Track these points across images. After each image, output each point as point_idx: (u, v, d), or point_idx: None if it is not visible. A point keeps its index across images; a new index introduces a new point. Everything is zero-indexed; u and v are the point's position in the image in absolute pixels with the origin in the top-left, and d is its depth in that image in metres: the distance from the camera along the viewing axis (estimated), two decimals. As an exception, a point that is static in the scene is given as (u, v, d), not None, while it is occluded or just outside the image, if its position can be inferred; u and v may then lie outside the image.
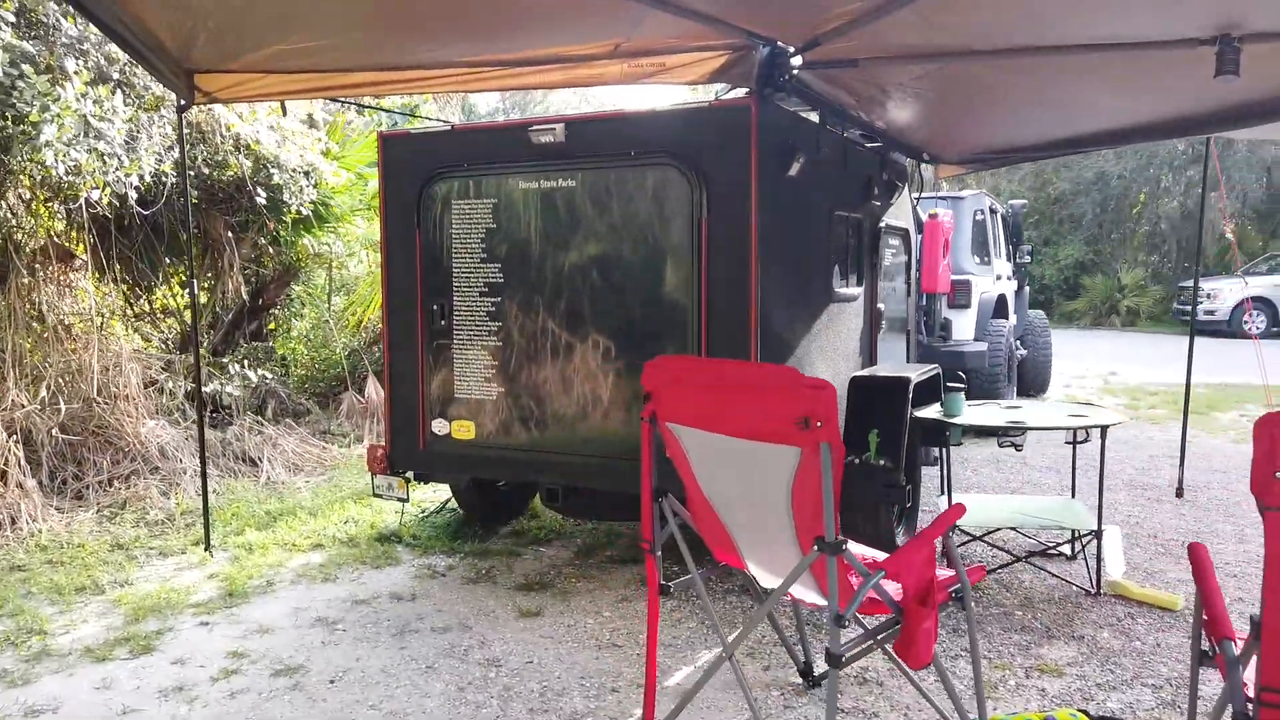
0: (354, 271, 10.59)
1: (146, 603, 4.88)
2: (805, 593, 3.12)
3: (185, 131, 6.71)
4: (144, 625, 4.62)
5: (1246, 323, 19.69)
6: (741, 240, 4.25)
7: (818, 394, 2.59)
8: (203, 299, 9.02)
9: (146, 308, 8.83)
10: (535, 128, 4.65)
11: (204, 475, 5.86)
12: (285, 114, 5.66)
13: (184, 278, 9.00)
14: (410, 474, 5.38)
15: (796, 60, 4.17)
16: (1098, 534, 4.92)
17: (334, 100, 5.76)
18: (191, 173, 7.04)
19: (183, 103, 5.21)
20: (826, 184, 4.95)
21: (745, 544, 3.18)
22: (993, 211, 10.36)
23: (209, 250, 8.64)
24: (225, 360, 8.43)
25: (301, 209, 8.31)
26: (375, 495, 5.61)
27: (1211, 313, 20.59)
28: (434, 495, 6.95)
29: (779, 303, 4.46)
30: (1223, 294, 20.62)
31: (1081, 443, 5.37)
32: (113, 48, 6.19)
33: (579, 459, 4.72)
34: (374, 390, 9.27)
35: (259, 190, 7.67)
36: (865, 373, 5.28)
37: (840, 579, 2.70)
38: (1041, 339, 11.59)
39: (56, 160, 5.57)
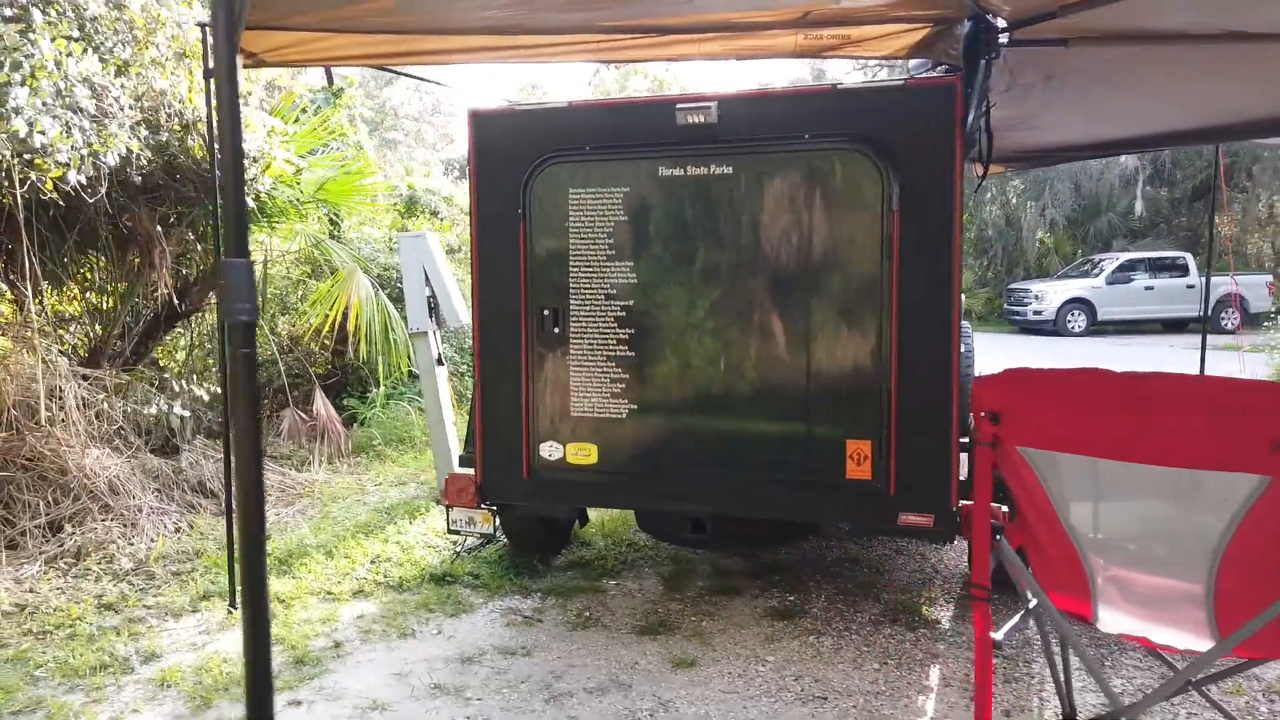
0: (279, 272, 9.42)
1: (204, 681, 3.94)
2: (1184, 638, 2.73)
3: (132, 106, 5.63)
4: (219, 712, 3.71)
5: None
6: (940, 237, 3.82)
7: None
8: (111, 303, 7.74)
9: (39, 314, 7.45)
10: (683, 106, 4.05)
11: (229, 514, 4.87)
12: (331, 83, 4.75)
13: (86, 278, 7.73)
14: (489, 507, 4.65)
15: (1003, 37, 3.77)
16: None
17: (387, 69, 4.88)
18: (148, 154, 5.90)
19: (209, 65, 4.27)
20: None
21: (1115, 588, 2.75)
22: None
23: (129, 246, 7.39)
24: (168, 376, 7.22)
25: (250, 202, 7.22)
26: (452, 532, 4.83)
27: (1039, 313, 21.93)
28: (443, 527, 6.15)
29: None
30: (1049, 295, 21.98)
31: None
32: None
33: (736, 484, 4.16)
34: (322, 406, 8.23)
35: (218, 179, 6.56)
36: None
37: None
38: None
39: (32, 132, 4.44)
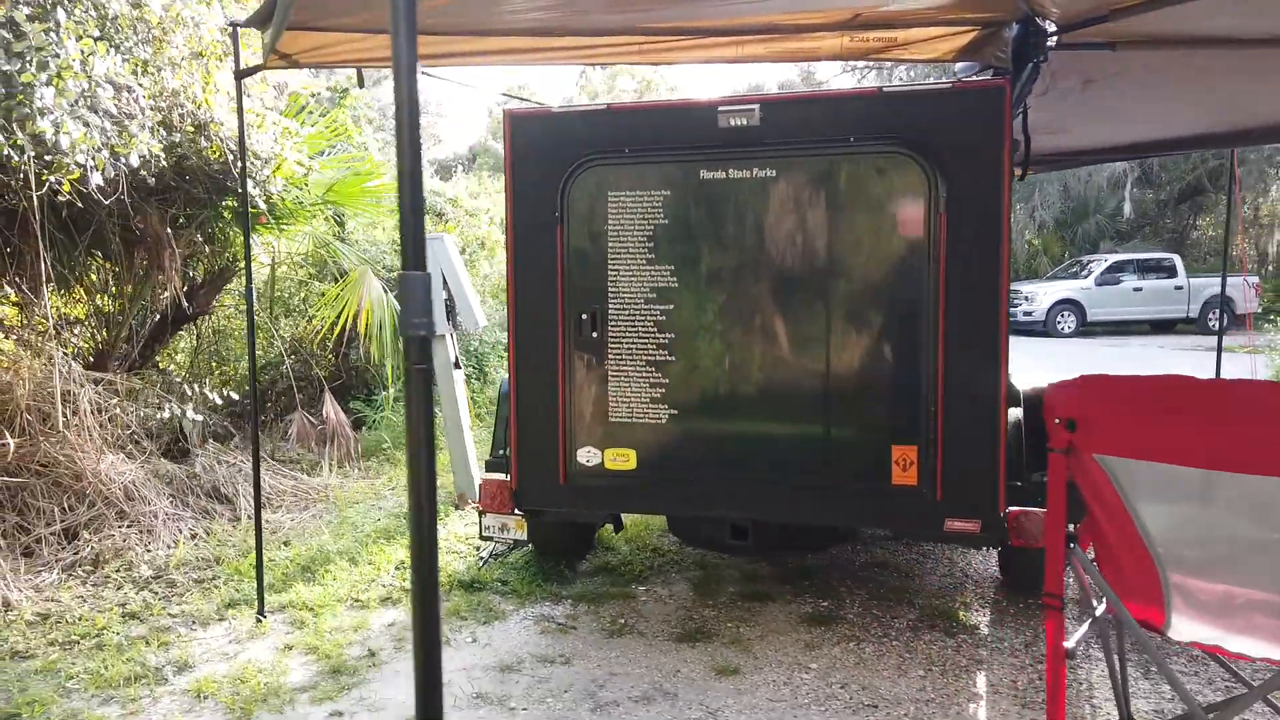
0: (283, 274, 9.32)
1: (242, 692, 3.87)
2: (1263, 648, 2.71)
3: (152, 107, 5.54)
4: (262, 724, 3.65)
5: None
6: (988, 241, 3.80)
7: None
8: (117, 305, 7.63)
9: (47, 317, 7.34)
10: (725, 108, 4.01)
11: (258, 520, 4.79)
12: (361, 84, 4.68)
13: (91, 281, 7.61)
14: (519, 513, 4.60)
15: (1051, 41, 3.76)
16: None
17: (425, 73, 4.79)
18: (159, 155, 5.80)
19: (242, 67, 4.20)
20: None
21: (1190, 597, 2.73)
22: None
23: (137, 248, 7.28)
24: (180, 379, 7.12)
25: (259, 202, 7.14)
26: (484, 539, 4.78)
27: (1029, 314, 22.01)
28: (464, 532, 6.11)
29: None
30: (1038, 297, 22.07)
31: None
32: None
33: (778, 490, 4.12)
34: (331, 409, 8.14)
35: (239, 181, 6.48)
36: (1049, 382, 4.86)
37: None
38: None
39: (58, 133, 4.36)
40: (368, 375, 9.64)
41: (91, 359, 7.39)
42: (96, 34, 5.06)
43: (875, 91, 3.94)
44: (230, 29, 4.53)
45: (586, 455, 4.33)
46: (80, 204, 5.35)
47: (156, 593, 5.09)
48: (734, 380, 4.13)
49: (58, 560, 5.47)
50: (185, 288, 7.88)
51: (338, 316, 7.74)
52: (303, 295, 9.30)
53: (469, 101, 61.04)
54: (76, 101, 4.46)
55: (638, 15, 3.80)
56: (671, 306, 4.17)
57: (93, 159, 4.66)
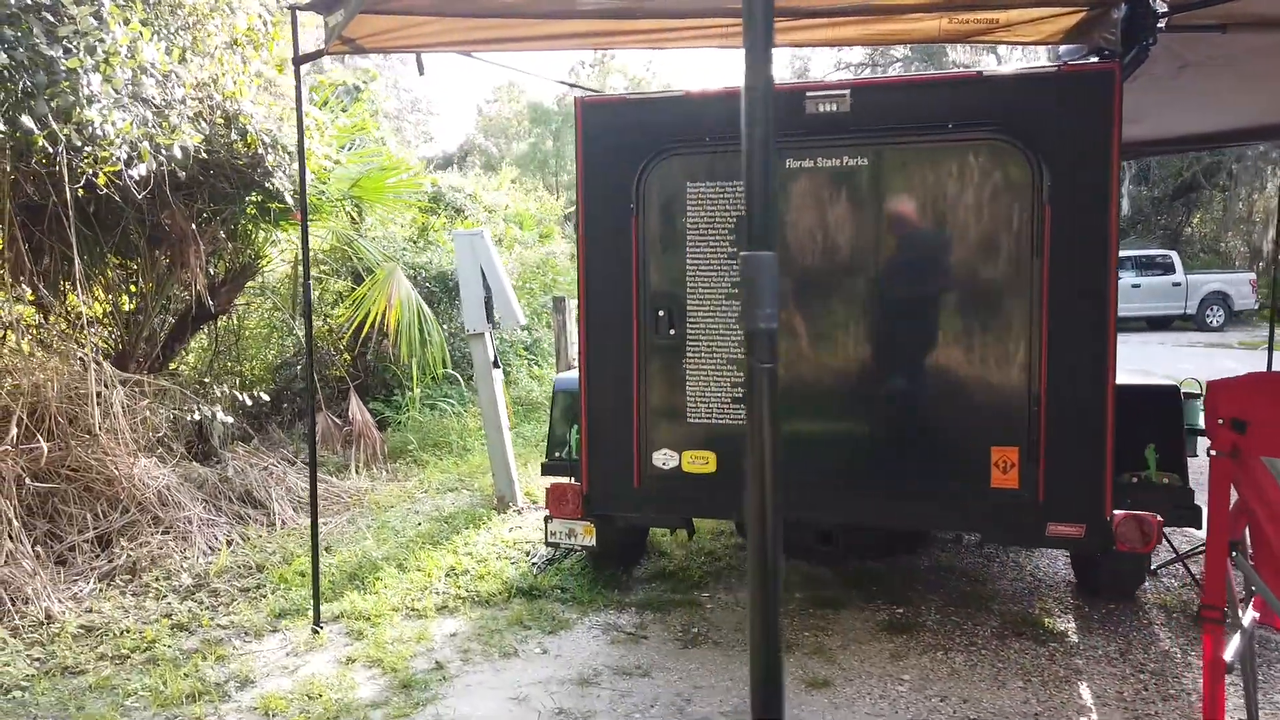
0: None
1: (312, 710, 3.68)
2: None
3: (193, 96, 5.32)
4: (340, 743, 3.45)
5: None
6: (1095, 233, 3.65)
7: None
8: (137, 304, 7.40)
9: (76, 316, 7.11)
10: (814, 94, 3.84)
11: (314, 527, 4.58)
12: (422, 71, 4.47)
13: (110, 278, 7.38)
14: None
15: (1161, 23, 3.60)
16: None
17: (472, 55, 4.53)
18: (199, 147, 5.58)
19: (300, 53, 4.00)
20: None
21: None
22: None
23: (160, 245, 7.05)
24: (207, 380, 6.89)
25: (286, 198, 6.93)
26: (549, 544, 4.59)
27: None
28: (510, 536, 5.92)
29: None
30: None
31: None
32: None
33: (870, 494, 3.95)
34: (357, 410, 7.93)
35: (272, 176, 6.27)
36: (1131, 380, 4.70)
37: None
38: None
39: (105, 122, 4.14)
40: (386, 375, 9.44)
41: (112, 359, 7.16)
42: (140, 19, 4.85)
43: (976, 75, 3.79)
44: (290, 10, 4.32)
45: (663, 458, 4.16)
46: (116, 198, 5.13)
47: (201, 602, 4.88)
48: (823, 379, 3.97)
49: (93, 569, 5.25)
50: (209, 285, 7.66)
51: (366, 315, 7.51)
52: (318, 293, 9.07)
53: (458, 99, 60.59)
54: (125, 90, 4.24)
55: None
56: None
57: (137, 150, 4.45)
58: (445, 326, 8.93)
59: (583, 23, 3.94)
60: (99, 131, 4.13)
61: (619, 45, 4.22)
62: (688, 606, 4.76)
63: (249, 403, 6.65)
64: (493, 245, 6.50)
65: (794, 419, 4.01)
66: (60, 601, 4.75)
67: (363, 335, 8.42)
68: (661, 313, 4.09)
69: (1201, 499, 3.28)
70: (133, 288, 7.43)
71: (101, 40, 4.16)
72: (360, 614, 4.65)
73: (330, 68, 9.31)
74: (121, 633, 4.43)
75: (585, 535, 4.43)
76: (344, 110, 8.39)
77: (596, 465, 4.27)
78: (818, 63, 35.22)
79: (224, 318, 8.16)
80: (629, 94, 4.20)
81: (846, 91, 3.81)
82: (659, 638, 4.39)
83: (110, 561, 5.34)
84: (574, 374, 5.32)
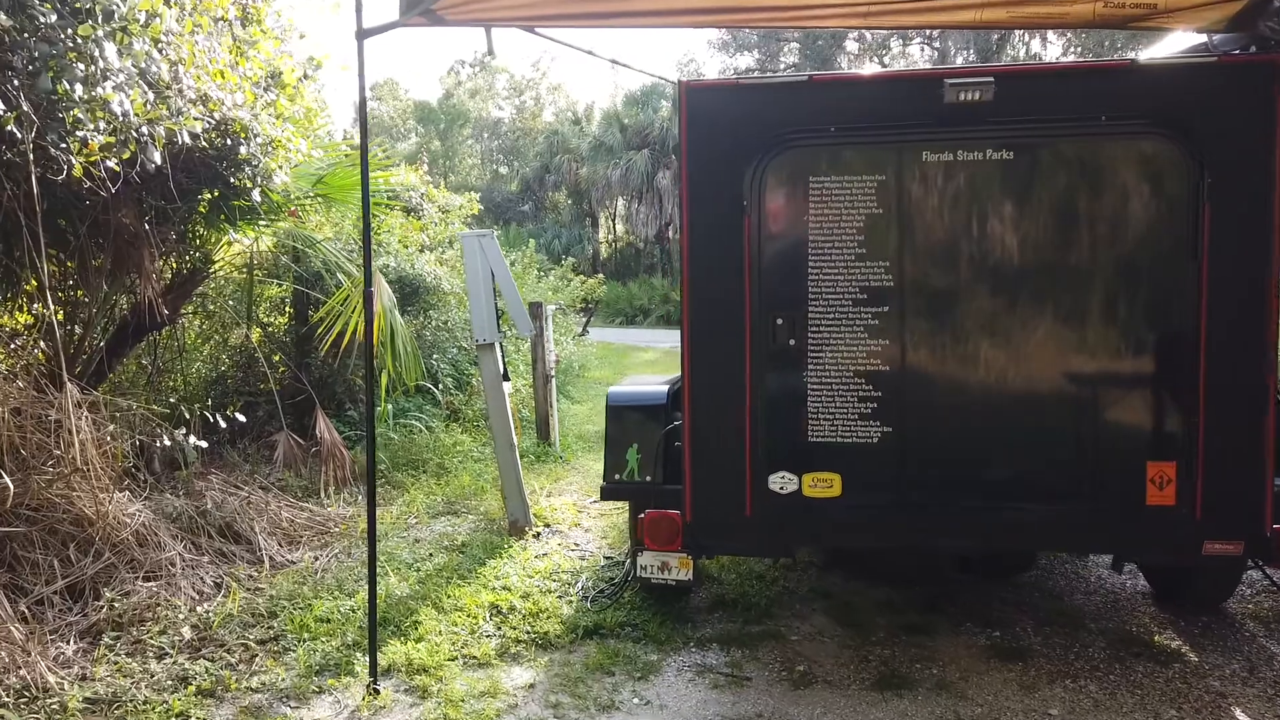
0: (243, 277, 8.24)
1: (418, 792, 3.13)
2: None
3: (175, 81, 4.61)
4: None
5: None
6: (1257, 236, 3.46)
7: None
8: (64, 315, 6.52)
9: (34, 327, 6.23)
10: (954, 81, 3.53)
11: (371, 567, 3.97)
12: (491, 51, 3.91)
13: (35, 283, 6.49)
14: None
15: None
16: None
17: (535, 31, 3.98)
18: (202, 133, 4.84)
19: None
20: None
21: None
22: None
23: (104, 247, 6.22)
24: (174, 400, 6.09)
25: (255, 195, 6.22)
26: (641, 579, 4.12)
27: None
28: (538, 565, 5.42)
29: None
30: None
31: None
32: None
33: (1014, 516, 3.65)
34: (325, 428, 7.21)
35: (241, 170, 5.58)
36: None
37: None
38: None
39: (126, 100, 3.47)
40: (335, 389, 8.70)
41: (46, 377, 6.27)
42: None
43: (1128, 64, 3.54)
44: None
45: (780, 481, 3.76)
46: (103, 192, 4.39)
47: (216, 660, 4.22)
48: (960, 393, 3.65)
49: (69, 625, 4.49)
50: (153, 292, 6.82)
51: (345, 325, 6.82)
52: (249, 299, 8.24)
53: (332, 97, 58.37)
54: (144, 64, 3.57)
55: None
56: (885, 309, 3.65)
57: (150, 136, 3.77)
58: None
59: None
60: (117, 113, 3.45)
61: (743, 24, 3.80)
62: (773, 640, 4.37)
63: (223, 424, 5.89)
64: (499, 250, 5.97)
65: (927, 436, 3.68)
66: (50, 669, 4.00)
67: (325, 347, 7.68)
68: (779, 321, 3.70)
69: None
70: (69, 294, 6.56)
71: (117, 5, 3.49)
72: (415, 665, 4.08)
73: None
74: (141, 705, 3.74)
75: (680, 569, 3.99)
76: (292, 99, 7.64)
77: (701, 491, 3.83)
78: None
79: (176, 325, 7.32)
80: (743, 78, 3.78)
81: (991, 79, 3.51)
82: (763, 679, 3.99)
83: (87, 616, 4.58)
84: (631, 386, 4.88)
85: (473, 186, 33.88)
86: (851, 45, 35.90)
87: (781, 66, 34.00)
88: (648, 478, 4.45)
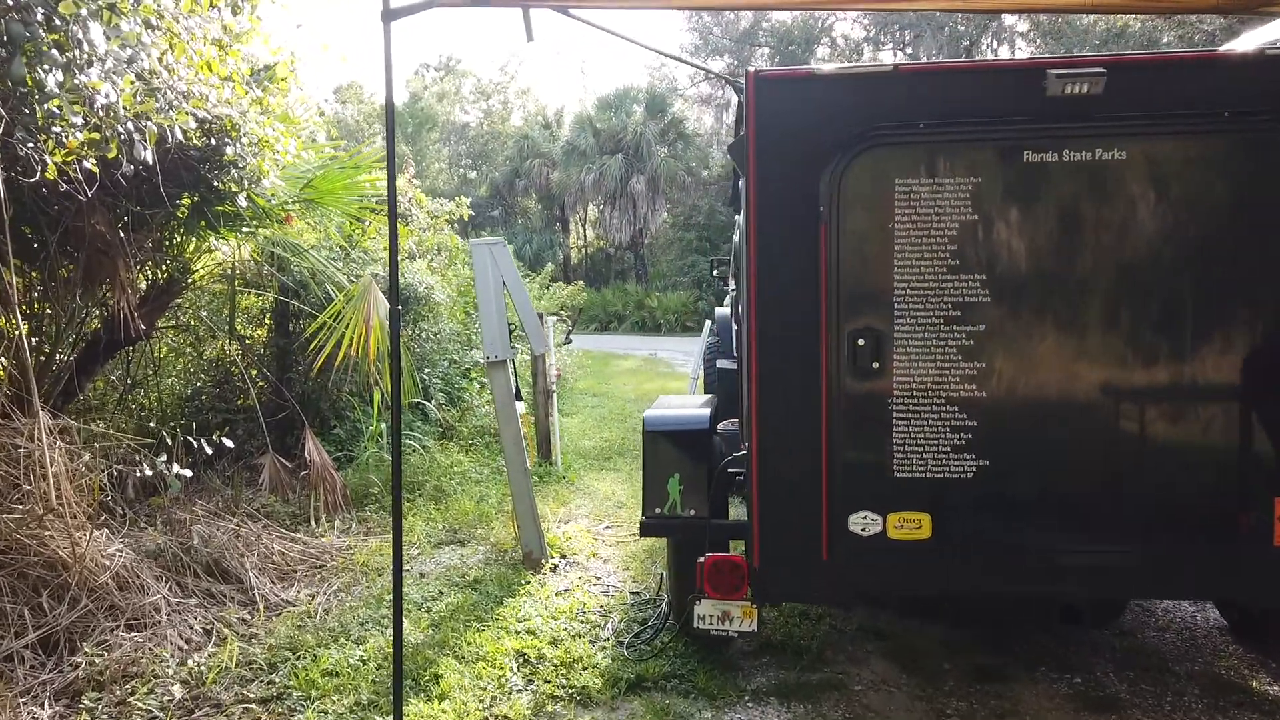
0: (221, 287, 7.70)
1: None
2: None
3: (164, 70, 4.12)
4: None
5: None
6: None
7: None
8: (27, 329, 5.98)
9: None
10: (1059, 71, 3.14)
11: (397, 612, 3.50)
12: (531, 38, 3.47)
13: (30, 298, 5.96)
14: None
15: None
16: None
17: (571, 14, 3.55)
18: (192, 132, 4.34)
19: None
20: None
21: None
22: None
23: (74, 256, 5.69)
24: (153, 425, 5.56)
25: (241, 200, 5.74)
26: (697, 629, 3.67)
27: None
28: (560, 604, 4.97)
29: None
30: None
31: None
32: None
33: (1126, 560, 3.27)
34: (314, 450, 6.70)
35: (226, 171, 5.09)
36: None
37: None
38: None
39: (114, 91, 2.98)
40: (320, 406, 8.17)
41: (8, 398, 5.71)
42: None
43: (1258, 54, 3.17)
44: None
45: (862, 522, 3.35)
46: (88, 195, 3.89)
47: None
48: (1064, 422, 3.26)
49: (42, 684, 3.98)
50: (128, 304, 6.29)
51: (340, 338, 6.31)
52: (224, 312, 7.70)
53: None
54: (133, 48, 3.09)
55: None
56: (982, 328, 3.26)
57: (140, 130, 3.29)
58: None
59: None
60: (101, 105, 2.96)
61: (838, 7, 3.38)
62: (835, 691, 3.96)
63: (208, 450, 5.37)
64: (512, 259, 5.52)
65: (1029, 471, 3.30)
66: (24, 742, 3.50)
67: (319, 363, 7.16)
68: (861, 341, 3.29)
69: None
70: (36, 307, 6.01)
71: (102, -23, 3.00)
72: (443, 730, 3.62)
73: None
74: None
75: (744, 619, 3.57)
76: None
77: (771, 533, 3.41)
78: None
79: (148, 342, 6.77)
80: (819, 69, 3.36)
81: (1102, 70, 3.13)
82: (834, 738, 3.58)
83: (63, 673, 4.07)
84: (668, 410, 4.45)
85: (441, 191, 33.28)
86: (822, 51, 35.79)
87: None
88: (691, 511, 4.03)
